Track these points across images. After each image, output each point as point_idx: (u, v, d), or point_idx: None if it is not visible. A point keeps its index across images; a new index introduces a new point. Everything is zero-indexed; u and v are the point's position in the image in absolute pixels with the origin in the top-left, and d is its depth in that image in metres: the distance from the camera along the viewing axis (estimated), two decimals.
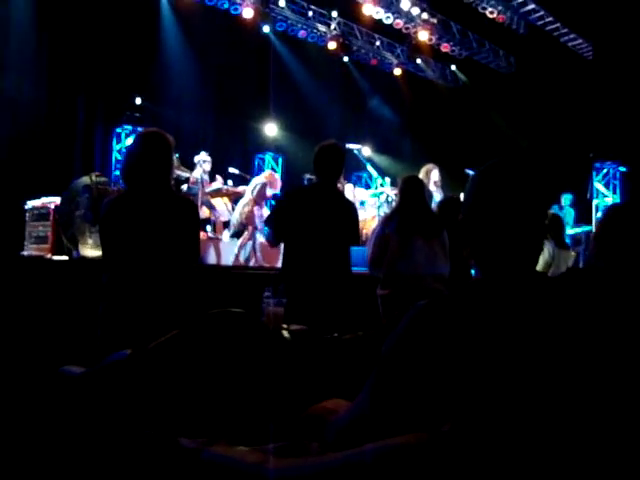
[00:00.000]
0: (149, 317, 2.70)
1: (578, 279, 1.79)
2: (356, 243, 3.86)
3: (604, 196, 11.85)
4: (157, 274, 2.78)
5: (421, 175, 6.55)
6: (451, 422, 0.99)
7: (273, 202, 7.08)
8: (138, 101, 10.00)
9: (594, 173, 11.99)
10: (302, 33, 11.72)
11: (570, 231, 8.75)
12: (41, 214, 6.09)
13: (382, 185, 8.28)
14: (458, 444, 0.98)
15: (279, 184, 7.84)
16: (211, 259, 6.85)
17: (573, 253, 5.74)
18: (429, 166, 6.85)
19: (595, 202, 11.74)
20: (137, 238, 2.76)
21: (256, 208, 7.21)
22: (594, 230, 2.13)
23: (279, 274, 3.62)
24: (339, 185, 8.56)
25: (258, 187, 7.30)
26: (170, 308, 2.78)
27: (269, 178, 7.68)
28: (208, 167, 7.86)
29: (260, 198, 7.31)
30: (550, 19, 11.56)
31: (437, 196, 6.58)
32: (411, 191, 4.07)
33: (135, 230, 2.76)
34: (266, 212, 7.18)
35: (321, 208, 3.57)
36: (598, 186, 11.97)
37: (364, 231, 8.04)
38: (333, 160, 3.62)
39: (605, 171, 12.03)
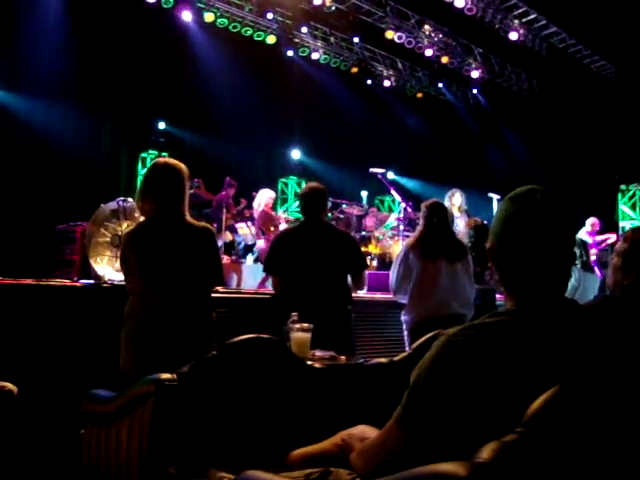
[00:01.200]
0: (171, 341, 2.73)
1: (613, 308, 1.77)
2: (364, 268, 3.97)
3: (631, 218, 11.71)
4: (176, 301, 2.83)
5: (445, 200, 6.57)
6: (489, 451, 0.98)
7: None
8: (162, 125, 10.16)
9: (620, 195, 11.87)
10: (325, 58, 11.84)
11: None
12: (68, 238, 6.18)
13: (406, 209, 8.25)
14: (497, 474, 0.97)
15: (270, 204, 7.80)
16: (233, 283, 6.87)
17: (598, 274, 5.67)
18: (453, 190, 6.88)
19: (622, 224, 11.60)
20: (153, 267, 2.82)
21: (261, 242, 7.39)
22: (615, 255, 2.09)
23: (278, 302, 3.72)
24: (361, 209, 8.64)
25: (258, 218, 7.48)
26: (191, 333, 2.81)
27: (268, 203, 7.65)
28: (232, 191, 7.93)
29: (263, 227, 7.43)
30: (572, 41, 11.53)
31: (460, 222, 6.55)
32: (434, 216, 4.07)
33: (151, 259, 2.83)
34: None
35: (311, 244, 3.74)
36: (624, 208, 11.83)
37: (387, 255, 8.03)
38: (317, 200, 3.86)
39: (631, 193, 11.91)
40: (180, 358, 2.51)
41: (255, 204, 7.57)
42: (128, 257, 2.90)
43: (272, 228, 7.34)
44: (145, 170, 3.06)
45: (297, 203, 11.14)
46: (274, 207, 8.72)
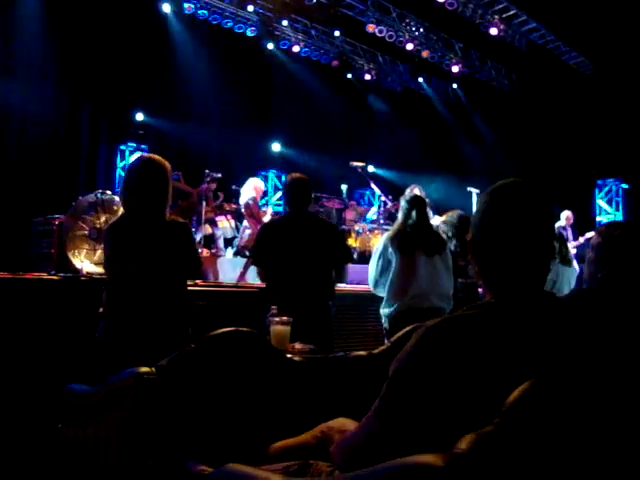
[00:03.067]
0: (148, 334, 2.75)
1: (587, 301, 1.79)
2: (348, 261, 3.99)
3: (607, 213, 11.86)
4: (155, 293, 2.88)
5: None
6: (466, 442, 0.99)
7: None
8: (140, 117, 10.06)
9: (596, 190, 12.01)
10: (305, 51, 11.80)
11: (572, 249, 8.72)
12: (45, 231, 6.10)
13: (385, 203, 8.29)
14: (473, 465, 0.98)
15: (260, 194, 7.68)
16: (210, 276, 6.85)
17: (577, 268, 5.72)
18: (412, 186, 6.91)
19: (598, 219, 11.75)
20: (134, 260, 2.87)
21: (249, 231, 7.20)
22: (590, 249, 2.11)
23: (261, 295, 3.75)
24: (341, 202, 8.63)
25: (245, 206, 7.29)
26: (167, 325, 2.83)
27: (257, 191, 7.48)
28: (213, 186, 7.89)
29: (251, 216, 7.25)
30: (551, 38, 11.63)
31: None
32: (412, 210, 4.09)
33: (131, 253, 2.88)
34: None
35: (295, 235, 3.75)
36: (601, 203, 11.98)
37: (367, 248, 8.06)
38: (302, 191, 3.86)
39: (607, 188, 12.06)
40: (156, 350, 2.53)
41: (242, 192, 7.44)
42: (108, 249, 2.96)
43: (254, 220, 7.23)
44: (130, 164, 3.10)
45: (279, 195, 11.14)
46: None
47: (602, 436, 1.15)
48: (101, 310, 2.93)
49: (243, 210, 7.37)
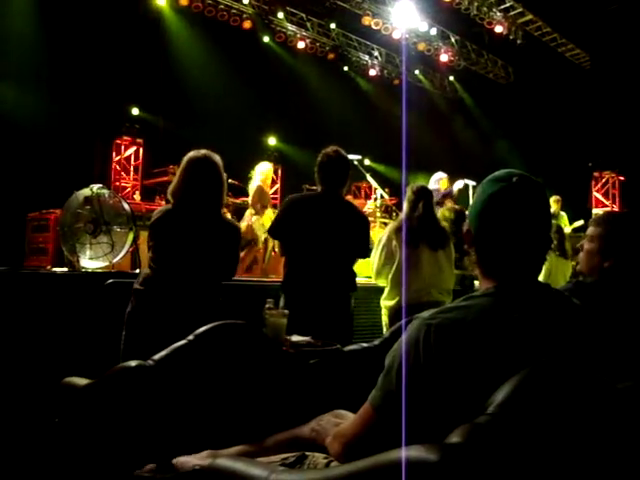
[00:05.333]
0: (182, 320, 2.73)
1: (585, 293, 1.79)
2: (365, 256, 3.73)
3: (603, 205, 11.88)
4: (197, 284, 2.92)
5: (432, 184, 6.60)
6: (460, 434, 0.99)
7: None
8: (135, 112, 10.03)
9: (593, 182, 12.02)
10: (301, 44, 11.77)
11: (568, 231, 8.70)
12: (41, 225, 6.09)
13: (382, 196, 8.29)
14: (467, 457, 0.98)
15: (269, 179, 7.29)
16: None
17: (572, 263, 5.73)
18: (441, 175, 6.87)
19: (595, 211, 11.76)
20: (183, 248, 2.90)
21: (255, 218, 6.88)
22: (589, 240, 2.11)
23: (281, 285, 3.55)
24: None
25: (252, 194, 6.94)
26: (204, 315, 2.82)
27: (264, 179, 7.05)
28: None
29: (257, 205, 6.89)
30: (548, 30, 11.61)
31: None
32: (420, 202, 4.03)
33: (181, 240, 2.91)
34: (267, 220, 6.77)
35: (326, 219, 3.40)
36: (597, 195, 12.00)
37: None
38: (338, 169, 3.46)
39: (604, 180, 12.07)
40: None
41: (254, 178, 7.06)
42: (157, 233, 2.97)
43: (262, 208, 6.88)
44: (190, 158, 3.02)
45: (276, 188, 11.10)
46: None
47: (597, 427, 1.15)
48: (135, 287, 2.93)
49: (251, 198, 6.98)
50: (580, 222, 9.09)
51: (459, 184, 6.83)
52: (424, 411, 1.21)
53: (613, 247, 2.00)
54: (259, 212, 6.85)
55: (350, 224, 3.49)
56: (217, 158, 3.04)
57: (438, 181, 6.82)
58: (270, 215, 6.88)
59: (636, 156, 10.83)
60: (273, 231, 3.58)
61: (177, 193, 2.98)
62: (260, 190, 6.88)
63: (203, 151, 3.04)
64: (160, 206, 5.79)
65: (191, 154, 3.04)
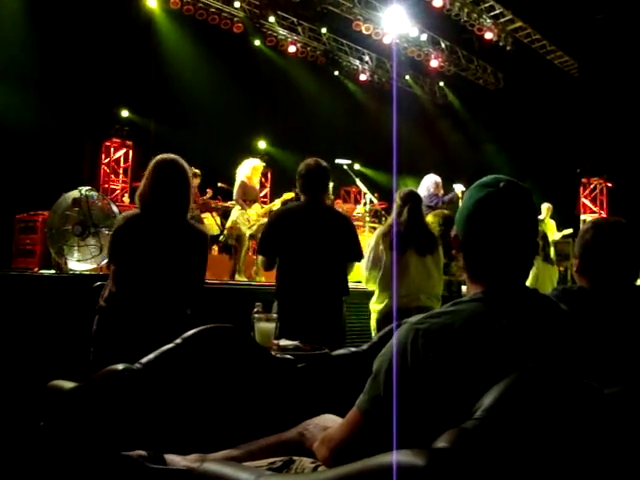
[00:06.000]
0: (147, 336, 2.69)
1: (570, 299, 1.80)
2: (358, 259, 3.78)
3: (591, 211, 11.97)
4: (162, 296, 2.81)
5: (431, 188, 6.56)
6: (447, 439, 0.99)
7: None
8: (125, 114, 10.00)
9: (581, 189, 12.12)
10: (292, 48, 11.78)
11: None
12: (28, 227, 6.06)
13: (371, 200, 8.31)
14: (455, 462, 0.98)
15: (257, 176, 7.13)
16: None
17: (561, 269, 5.77)
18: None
19: (583, 217, 11.85)
20: (147, 258, 2.79)
21: (240, 213, 6.79)
22: (576, 246, 2.11)
23: (275, 293, 3.57)
24: (327, 199, 8.59)
25: (236, 188, 6.85)
26: (169, 329, 2.77)
27: (250, 175, 6.89)
28: (197, 181, 7.85)
29: (240, 200, 6.79)
30: (537, 37, 11.70)
31: None
32: (409, 207, 4.03)
33: (147, 250, 2.79)
34: (252, 215, 6.77)
35: (311, 226, 3.50)
36: (585, 201, 12.09)
37: None
38: (319, 178, 3.58)
39: (592, 186, 12.16)
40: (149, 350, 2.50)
41: (239, 173, 6.98)
42: (121, 240, 2.85)
43: (249, 202, 6.77)
44: (155, 162, 2.93)
45: (265, 192, 11.09)
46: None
47: (584, 432, 1.16)
48: (102, 304, 2.85)
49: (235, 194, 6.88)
50: (569, 230, 9.13)
51: (460, 187, 6.79)
52: (412, 416, 1.21)
53: (591, 252, 2.01)
54: (244, 207, 6.78)
55: (335, 229, 3.59)
56: (185, 163, 2.96)
57: (436, 185, 6.74)
58: (257, 210, 6.84)
59: (624, 162, 10.92)
60: (262, 248, 3.68)
61: (145, 196, 2.88)
62: (244, 185, 6.83)
63: (172, 155, 3.00)
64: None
65: (159, 157, 2.98)
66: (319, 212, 3.58)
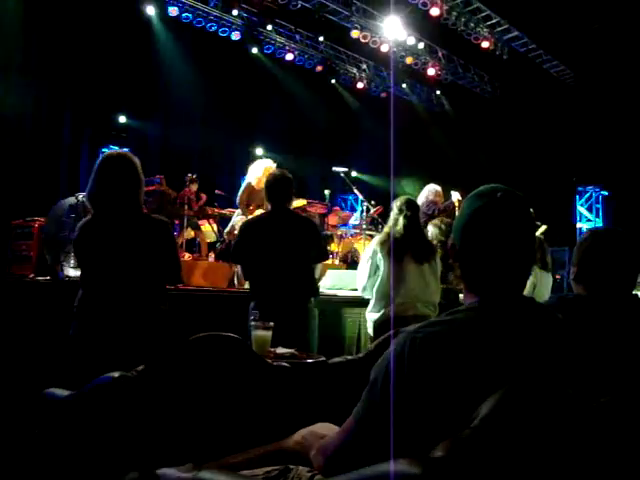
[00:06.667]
0: (122, 337, 2.68)
1: (566, 307, 1.81)
2: (324, 259, 3.98)
3: (587, 219, 12.00)
4: (131, 294, 2.77)
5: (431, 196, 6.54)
6: (443, 448, 0.99)
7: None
8: (122, 119, 10.00)
9: (577, 197, 12.16)
10: (289, 56, 11.81)
11: None
12: (24, 233, 6.03)
13: (368, 208, 8.32)
14: (451, 471, 0.98)
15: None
16: (196, 281, 6.80)
17: (557, 276, 5.78)
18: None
19: (578, 225, 11.88)
20: (109, 259, 2.77)
21: (238, 218, 6.52)
22: (574, 254, 2.13)
23: (249, 297, 3.69)
24: (324, 207, 8.60)
25: (240, 191, 6.55)
26: (144, 328, 2.76)
27: (261, 177, 6.18)
28: (195, 187, 7.84)
29: (245, 205, 6.45)
30: (533, 46, 11.76)
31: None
32: (406, 215, 4.04)
33: (107, 251, 2.77)
34: None
35: (278, 232, 3.70)
36: (581, 209, 12.12)
37: (349, 253, 8.07)
38: (283, 187, 3.80)
39: (588, 195, 12.21)
40: (127, 352, 2.48)
41: (248, 174, 6.59)
42: (81, 249, 2.86)
43: (254, 207, 6.38)
44: (98, 161, 2.89)
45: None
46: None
47: (579, 441, 1.16)
48: (75, 309, 2.84)
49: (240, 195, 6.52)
50: (544, 227, 9.05)
51: (456, 195, 6.77)
52: (408, 425, 1.21)
53: (587, 261, 2.02)
54: (245, 212, 6.44)
55: (301, 233, 3.77)
56: (133, 157, 2.92)
57: (434, 194, 6.72)
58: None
59: (620, 171, 10.96)
60: (234, 256, 3.92)
61: (94, 195, 2.85)
62: (250, 188, 6.46)
63: (116, 151, 2.99)
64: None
65: (103, 155, 2.97)
66: (285, 218, 3.80)
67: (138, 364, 1.86)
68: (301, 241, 3.74)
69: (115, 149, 9.40)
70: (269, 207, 3.89)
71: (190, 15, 10.26)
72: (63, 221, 4.72)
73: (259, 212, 6.68)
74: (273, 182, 3.83)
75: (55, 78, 9.09)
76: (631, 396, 1.27)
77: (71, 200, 4.87)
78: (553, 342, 1.27)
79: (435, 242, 4.42)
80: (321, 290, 4.60)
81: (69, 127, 9.67)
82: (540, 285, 5.31)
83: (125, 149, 9.56)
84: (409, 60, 11.91)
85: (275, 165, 6.56)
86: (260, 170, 6.36)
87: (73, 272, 4.75)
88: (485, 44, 11.16)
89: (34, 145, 8.94)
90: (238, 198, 6.55)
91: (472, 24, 10.99)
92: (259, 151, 12.18)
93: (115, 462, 1.55)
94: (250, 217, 4.24)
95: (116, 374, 1.74)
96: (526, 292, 1.39)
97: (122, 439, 1.68)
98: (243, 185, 6.58)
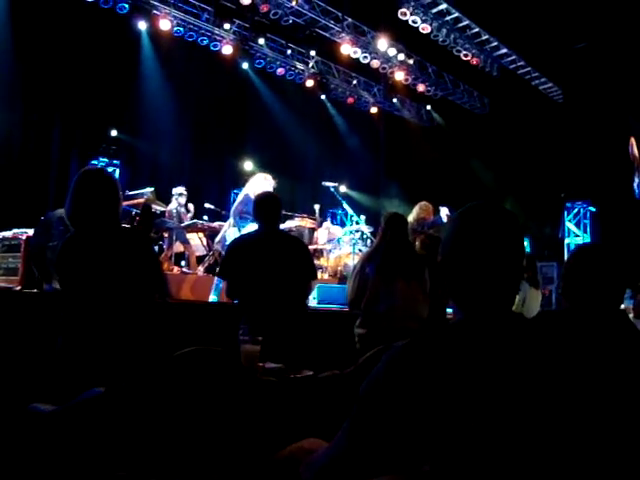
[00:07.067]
0: (108, 352, 2.65)
1: (551, 322, 1.81)
2: (313, 278, 3.96)
3: (575, 235, 12.08)
4: (116, 309, 2.74)
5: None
6: (430, 464, 0.99)
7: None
8: (114, 133, 9.99)
9: (565, 213, 12.24)
10: (280, 70, 11.87)
11: None
12: (12, 245, 5.99)
13: (357, 223, 8.33)
14: None
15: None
16: (185, 294, 6.77)
17: (545, 292, 5.81)
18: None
19: (567, 241, 11.96)
20: (92, 276, 2.74)
21: (230, 230, 6.49)
22: (563, 269, 2.16)
23: (237, 312, 3.69)
24: (314, 221, 8.61)
25: (237, 202, 6.50)
26: (129, 343, 2.73)
27: (260, 185, 6.29)
28: (183, 200, 7.83)
29: (239, 217, 6.35)
30: (522, 63, 11.89)
31: None
32: (394, 230, 4.05)
33: (89, 269, 2.74)
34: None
35: (267, 253, 3.71)
36: (569, 225, 12.20)
37: (339, 268, 8.07)
38: (273, 208, 3.85)
39: (576, 211, 12.30)
40: (116, 368, 2.46)
41: (248, 186, 6.57)
42: (62, 269, 2.81)
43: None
44: (74, 179, 2.87)
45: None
46: None
47: (564, 457, 1.16)
48: (60, 325, 2.81)
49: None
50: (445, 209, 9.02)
51: (445, 210, 6.80)
52: (397, 441, 1.21)
53: (573, 276, 2.04)
54: (237, 225, 6.35)
55: (289, 252, 3.80)
56: (109, 173, 2.93)
57: (423, 210, 6.75)
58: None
59: (607, 188, 11.06)
60: (221, 272, 3.93)
61: (72, 213, 2.83)
62: (246, 200, 6.34)
63: (90, 167, 2.97)
64: (136, 228, 5.68)
65: (80, 172, 2.95)
66: (274, 238, 3.83)
67: (125, 379, 1.85)
68: (291, 261, 3.75)
69: (105, 161, 9.45)
70: (257, 226, 3.91)
71: (182, 29, 10.29)
72: (52, 233, 4.69)
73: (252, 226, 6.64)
74: (261, 202, 3.87)
75: (45, 91, 9.08)
76: (614, 411, 1.27)
77: (60, 212, 4.84)
78: (537, 360, 1.27)
79: None
80: (311, 304, 4.61)
81: (58, 139, 9.65)
82: (529, 300, 5.34)
83: (115, 161, 9.62)
84: (399, 76, 12.00)
85: (275, 181, 6.74)
86: (260, 184, 6.42)
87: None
88: (475, 61, 11.28)
89: (23, 157, 8.91)
90: (234, 209, 6.52)
91: (461, 41, 11.10)
92: (248, 165, 12.21)
93: (100, 477, 1.53)
94: (240, 235, 4.30)
95: (102, 389, 1.73)
96: (515, 308, 1.39)
97: (107, 454, 1.66)
98: (241, 196, 6.56)
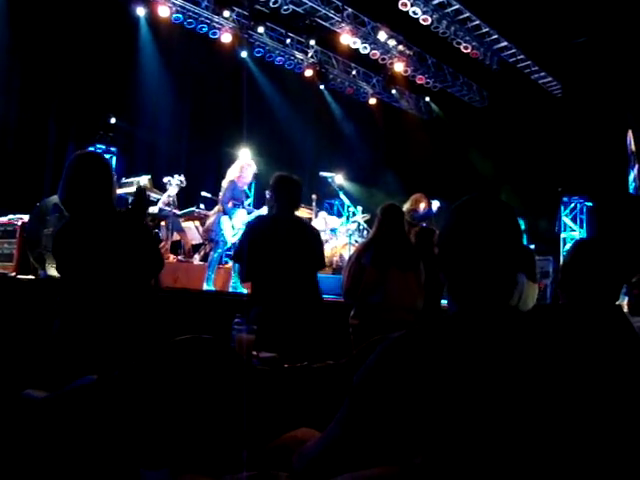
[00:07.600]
0: (105, 336, 2.65)
1: (546, 316, 1.81)
2: (321, 267, 3.91)
3: (571, 230, 12.10)
4: (114, 293, 2.75)
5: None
6: (422, 455, 0.99)
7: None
8: (113, 121, 9.94)
9: (562, 207, 12.25)
10: (279, 60, 11.81)
11: None
12: (7, 231, 5.98)
13: (354, 213, 8.32)
14: (429, 477, 0.98)
15: (249, 177, 6.58)
16: (181, 282, 6.77)
17: (541, 286, 5.80)
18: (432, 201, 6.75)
19: (563, 235, 11.98)
20: (89, 260, 2.74)
21: (224, 218, 6.45)
22: (562, 262, 2.16)
23: (248, 301, 3.61)
24: (310, 211, 8.60)
25: (223, 189, 6.47)
26: (125, 326, 2.73)
27: (241, 172, 6.43)
28: (176, 189, 7.79)
29: (227, 204, 6.37)
30: (522, 57, 11.86)
31: None
32: (390, 221, 4.04)
33: (87, 253, 2.74)
34: (236, 222, 6.41)
35: (286, 238, 3.62)
36: (566, 220, 12.21)
37: (334, 258, 8.06)
38: (295, 192, 3.75)
39: (572, 205, 12.30)
40: (111, 352, 2.46)
41: (229, 173, 6.56)
42: (60, 256, 2.81)
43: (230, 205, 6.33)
44: (67, 163, 2.84)
45: (250, 201, 11.05)
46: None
47: (559, 452, 1.16)
48: (57, 307, 2.80)
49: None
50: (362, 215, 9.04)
51: (436, 203, 6.79)
52: (389, 432, 1.21)
53: (571, 270, 2.04)
54: (228, 212, 6.37)
55: (307, 239, 3.72)
56: (102, 156, 2.92)
57: (415, 202, 6.73)
58: (243, 216, 6.48)
59: (604, 183, 11.06)
60: (236, 255, 3.89)
61: (66, 196, 2.82)
62: (233, 186, 6.41)
63: (82, 151, 2.96)
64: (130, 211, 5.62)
65: (73, 155, 2.93)
66: (292, 223, 3.73)
67: (121, 365, 1.85)
68: (307, 247, 3.68)
69: (102, 148, 9.42)
70: (275, 208, 3.77)
71: (181, 16, 10.22)
72: (47, 219, 4.68)
73: (241, 211, 6.59)
74: (287, 184, 3.73)
75: (42, 77, 9.02)
76: (608, 405, 1.27)
77: (55, 198, 4.82)
78: (531, 352, 1.27)
79: None
80: None
81: (55, 126, 9.59)
82: (527, 294, 5.34)
83: (112, 149, 9.58)
84: (399, 67, 11.95)
85: (252, 161, 6.74)
86: (237, 166, 6.49)
87: (55, 272, 4.71)
88: (475, 54, 11.24)
89: (19, 143, 8.86)
90: (223, 197, 6.48)
91: (462, 33, 11.06)
92: (246, 153, 12.17)
93: (95, 464, 1.53)
94: (255, 217, 4.20)
95: (95, 375, 1.72)
96: (512, 302, 1.39)
97: (102, 441, 1.66)
98: (226, 183, 6.50)
